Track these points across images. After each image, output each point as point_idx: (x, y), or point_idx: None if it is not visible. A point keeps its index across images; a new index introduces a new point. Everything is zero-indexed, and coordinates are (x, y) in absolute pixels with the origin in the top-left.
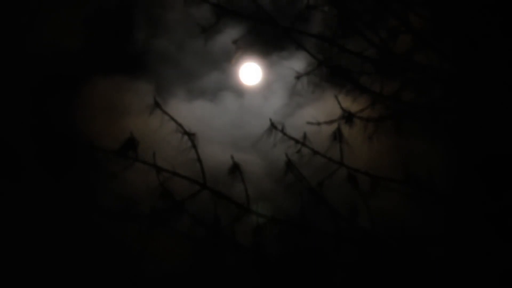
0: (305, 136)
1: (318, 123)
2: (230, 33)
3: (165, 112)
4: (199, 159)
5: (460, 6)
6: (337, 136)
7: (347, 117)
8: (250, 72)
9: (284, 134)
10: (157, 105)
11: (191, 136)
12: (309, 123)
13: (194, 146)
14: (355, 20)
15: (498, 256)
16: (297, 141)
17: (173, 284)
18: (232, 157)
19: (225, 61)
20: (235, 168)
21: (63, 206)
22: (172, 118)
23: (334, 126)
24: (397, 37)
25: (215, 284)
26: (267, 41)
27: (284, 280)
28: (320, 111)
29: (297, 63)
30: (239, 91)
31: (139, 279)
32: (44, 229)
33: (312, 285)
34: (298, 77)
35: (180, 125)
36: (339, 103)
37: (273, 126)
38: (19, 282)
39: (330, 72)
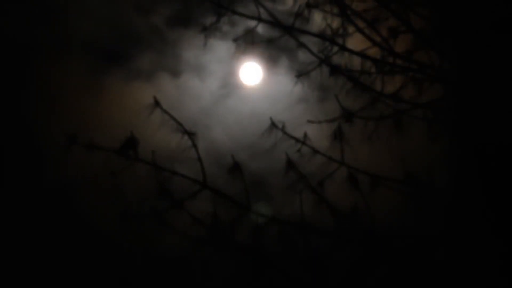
0: (305, 135)
1: (319, 122)
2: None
3: (165, 111)
4: (199, 158)
5: (460, 5)
6: (338, 135)
7: (347, 116)
8: (250, 71)
9: (285, 133)
10: (157, 104)
11: (191, 135)
12: (309, 121)
13: (195, 145)
14: (356, 19)
15: (498, 255)
16: (297, 140)
17: (172, 283)
18: (232, 157)
19: (160, 41)
20: (236, 167)
21: (61, 206)
22: (173, 117)
23: (334, 125)
24: (397, 36)
25: (214, 284)
26: (268, 40)
27: (284, 280)
28: (321, 110)
29: (298, 62)
30: (176, 73)
31: (137, 279)
32: (41, 229)
33: (312, 285)
34: (299, 76)
35: (180, 124)
36: (339, 102)
37: (273, 125)
38: (18, 281)
39: (330, 71)
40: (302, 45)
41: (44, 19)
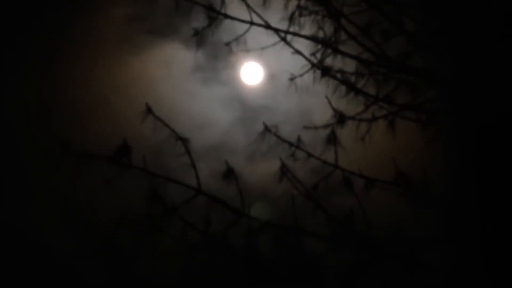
0: (299, 139)
1: (315, 128)
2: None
3: (157, 118)
4: (193, 164)
5: (453, 7)
6: (332, 139)
7: (339, 118)
8: (243, 75)
9: (278, 137)
10: (149, 111)
11: (184, 141)
12: (306, 127)
13: (188, 151)
14: (348, 25)
15: (495, 257)
16: (291, 144)
17: None
18: (226, 162)
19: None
20: (230, 173)
21: (56, 210)
22: (166, 124)
23: (328, 129)
24: (390, 39)
25: None
26: (260, 44)
27: (278, 285)
28: (314, 114)
29: (291, 65)
30: None
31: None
32: (36, 234)
33: None
34: (292, 79)
35: (173, 130)
36: (330, 104)
37: (267, 129)
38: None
39: (322, 72)
40: (295, 49)
41: None
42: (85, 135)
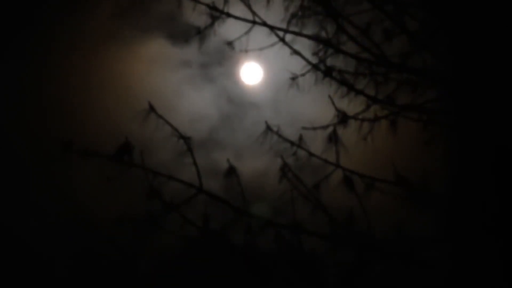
0: (300, 138)
1: (314, 128)
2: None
3: (160, 117)
4: (195, 163)
5: (453, 7)
6: (333, 138)
7: (342, 118)
8: (245, 74)
9: (280, 136)
10: (152, 109)
11: (186, 139)
12: (304, 128)
13: (190, 149)
14: (349, 24)
15: (495, 258)
16: (292, 143)
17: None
18: (228, 160)
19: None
20: (231, 171)
21: (56, 210)
22: (168, 122)
23: (329, 128)
24: (391, 39)
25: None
26: (261, 43)
27: (278, 285)
28: (315, 113)
29: (291, 65)
30: None
31: (134, 283)
32: (34, 236)
33: None
34: (293, 78)
35: (175, 129)
36: (333, 103)
37: (268, 128)
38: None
39: (324, 74)
40: (294, 52)
41: None
42: (82, 133)
